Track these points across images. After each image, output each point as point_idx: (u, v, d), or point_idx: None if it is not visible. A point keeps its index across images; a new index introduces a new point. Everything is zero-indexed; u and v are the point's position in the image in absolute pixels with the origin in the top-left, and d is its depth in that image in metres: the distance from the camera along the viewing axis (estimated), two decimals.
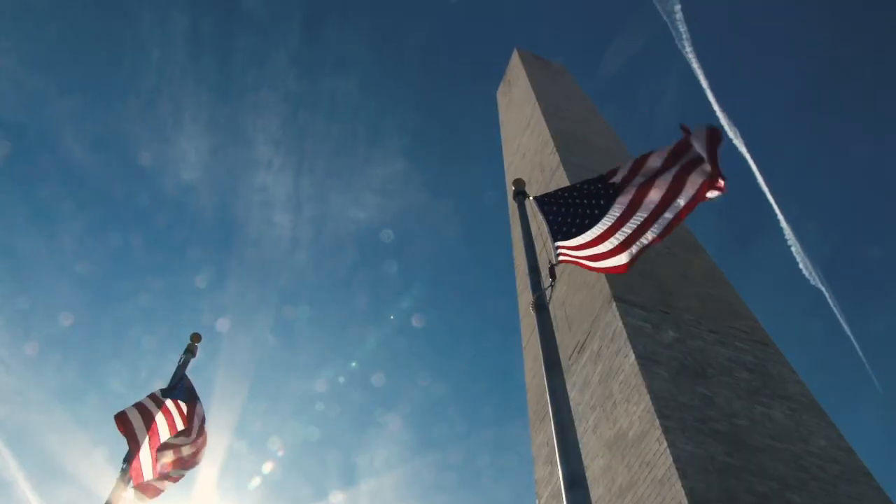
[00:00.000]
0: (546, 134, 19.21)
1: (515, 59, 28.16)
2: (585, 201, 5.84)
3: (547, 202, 6.12)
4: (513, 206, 15.96)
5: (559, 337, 12.16)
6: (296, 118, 55.03)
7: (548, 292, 5.52)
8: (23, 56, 42.41)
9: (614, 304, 11.01)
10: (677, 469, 7.89)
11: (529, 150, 20.80)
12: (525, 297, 16.70)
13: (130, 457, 6.59)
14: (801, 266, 33.22)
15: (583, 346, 11.87)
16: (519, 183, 6.90)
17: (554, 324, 7.10)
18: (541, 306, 5.32)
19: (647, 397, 9.06)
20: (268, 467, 31.53)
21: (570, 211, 5.91)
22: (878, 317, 43.56)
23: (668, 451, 8.18)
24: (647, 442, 8.70)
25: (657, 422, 8.63)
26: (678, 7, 34.63)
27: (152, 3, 49.07)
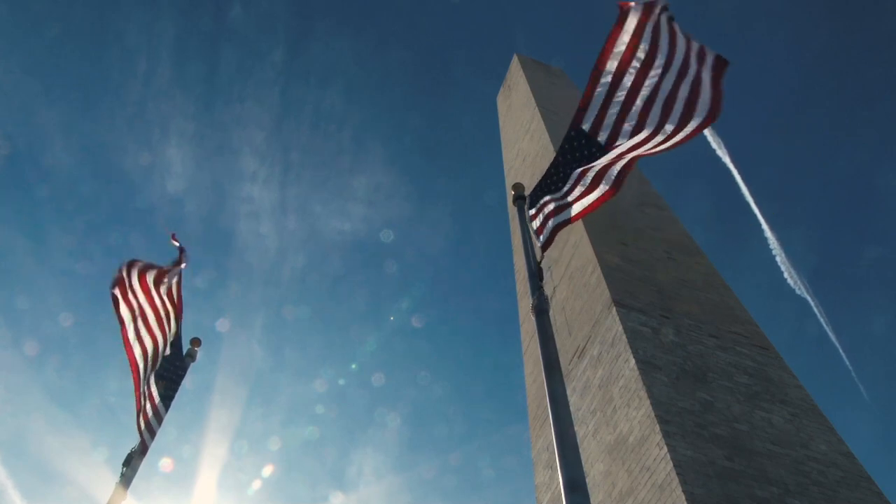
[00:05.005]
0: (546, 138, 19.23)
1: (515, 63, 28.21)
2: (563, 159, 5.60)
3: (534, 192, 6.07)
4: (512, 210, 15.96)
5: (559, 341, 12.15)
6: (280, 129, 55.10)
7: (548, 294, 5.50)
8: (9, 65, 42.55)
9: (614, 309, 11.01)
10: (678, 474, 7.87)
11: (529, 155, 20.82)
12: (525, 302, 16.70)
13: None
14: (786, 276, 33.30)
15: (583, 350, 11.85)
16: (518, 187, 6.90)
17: (554, 328, 7.09)
18: (540, 311, 5.31)
19: (648, 402, 9.05)
20: (268, 470, 31.51)
21: (550, 179, 5.77)
22: (865, 324, 43.57)
23: (668, 455, 8.16)
24: (648, 447, 8.69)
25: (657, 426, 8.61)
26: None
27: (139, 13, 49.25)
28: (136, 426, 6.81)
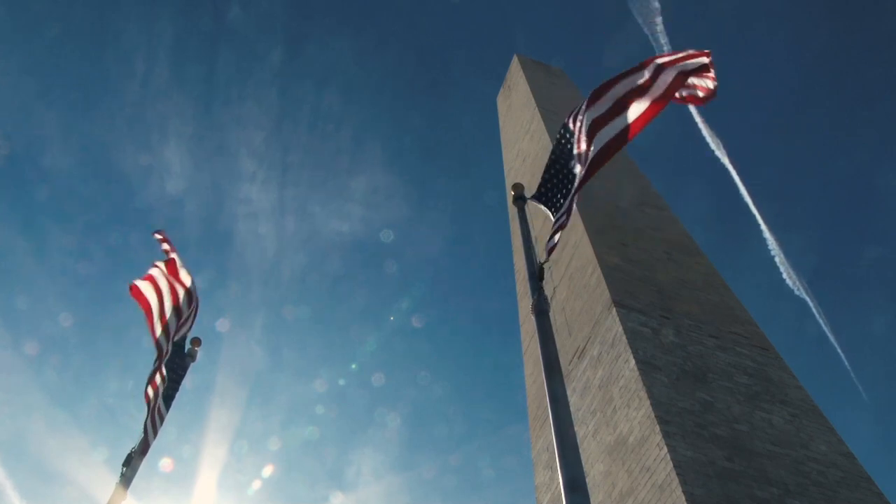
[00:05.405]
0: (546, 139, 19.23)
1: (515, 64, 28.22)
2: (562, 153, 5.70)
3: (538, 190, 6.09)
4: (512, 210, 15.95)
5: (559, 342, 12.13)
6: (280, 130, 55.06)
7: (548, 295, 5.49)
8: (9, 65, 42.58)
9: (614, 309, 11.01)
10: (678, 474, 7.88)
11: (529, 155, 20.83)
12: (525, 303, 16.70)
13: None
14: (785, 276, 33.37)
15: (583, 350, 11.86)
16: (518, 188, 6.89)
17: (554, 329, 7.09)
18: (540, 311, 5.30)
19: (648, 402, 9.05)
20: (268, 470, 31.53)
21: (553, 174, 5.81)
22: (865, 325, 43.60)
23: (668, 456, 8.17)
24: (648, 447, 8.69)
25: (657, 427, 8.62)
26: (659, 20, 34.91)
27: (138, 14, 49.27)
28: (141, 424, 6.79)
